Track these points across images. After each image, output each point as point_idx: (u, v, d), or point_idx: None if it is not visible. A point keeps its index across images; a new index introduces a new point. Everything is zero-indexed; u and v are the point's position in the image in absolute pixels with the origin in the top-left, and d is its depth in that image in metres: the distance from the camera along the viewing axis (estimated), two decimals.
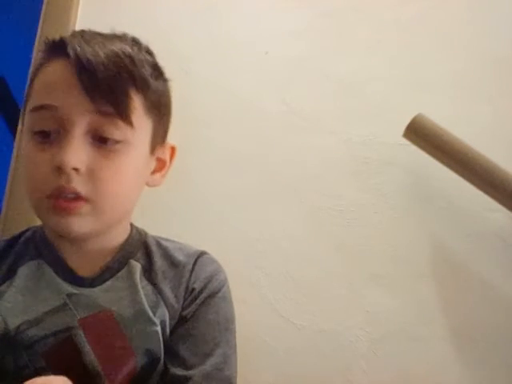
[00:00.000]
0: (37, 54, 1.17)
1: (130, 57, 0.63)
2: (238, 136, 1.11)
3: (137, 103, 0.63)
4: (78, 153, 0.59)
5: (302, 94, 1.12)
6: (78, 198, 0.59)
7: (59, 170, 0.58)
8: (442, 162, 0.96)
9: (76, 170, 0.58)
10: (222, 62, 1.16)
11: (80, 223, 0.61)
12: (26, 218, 1.05)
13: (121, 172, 0.62)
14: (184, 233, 1.00)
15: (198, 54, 1.16)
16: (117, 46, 0.62)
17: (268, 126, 1.11)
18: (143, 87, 0.64)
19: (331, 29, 1.15)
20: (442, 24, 1.12)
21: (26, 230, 0.72)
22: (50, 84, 0.62)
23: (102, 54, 0.60)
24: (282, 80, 1.14)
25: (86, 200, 0.60)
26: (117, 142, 0.61)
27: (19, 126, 1.13)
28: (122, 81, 0.61)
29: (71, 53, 0.60)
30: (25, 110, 0.66)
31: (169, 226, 0.93)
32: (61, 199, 0.59)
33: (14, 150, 1.12)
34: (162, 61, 0.70)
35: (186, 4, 1.21)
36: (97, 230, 0.64)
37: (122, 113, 0.60)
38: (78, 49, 0.60)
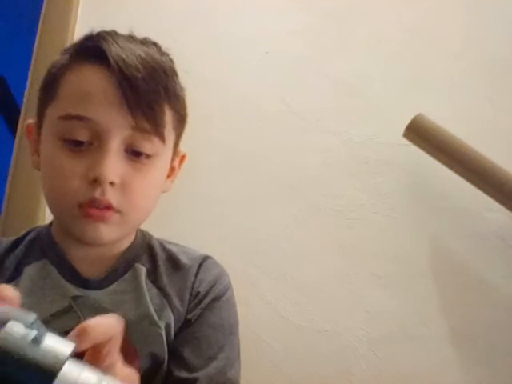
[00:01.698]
0: (37, 53, 1.17)
1: (164, 70, 0.63)
2: (237, 136, 1.11)
3: (168, 118, 0.64)
4: (115, 167, 0.59)
5: (302, 94, 1.12)
6: (109, 207, 0.60)
7: (95, 182, 0.59)
8: (442, 161, 0.96)
9: (112, 183, 0.59)
10: (222, 62, 1.15)
11: (108, 231, 0.62)
12: (26, 218, 1.05)
13: (150, 185, 0.64)
14: (184, 232, 1.01)
15: (198, 53, 1.16)
16: (150, 57, 0.62)
17: (268, 126, 1.11)
18: (175, 102, 0.65)
19: (331, 29, 1.15)
20: (442, 24, 1.12)
21: (30, 231, 0.72)
22: (87, 94, 0.60)
23: (141, 67, 0.60)
24: (281, 80, 1.14)
25: (116, 210, 0.61)
26: (148, 156, 0.62)
27: (19, 126, 1.13)
28: (159, 97, 0.62)
29: (114, 64, 0.59)
30: (43, 107, 0.65)
31: (168, 226, 0.93)
32: (93, 208, 0.60)
33: (14, 150, 1.12)
34: None
35: (186, 4, 1.21)
36: (119, 237, 0.65)
37: (159, 130, 0.61)
38: (120, 61, 0.59)
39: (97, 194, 0.59)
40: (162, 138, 0.62)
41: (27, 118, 1.13)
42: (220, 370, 0.64)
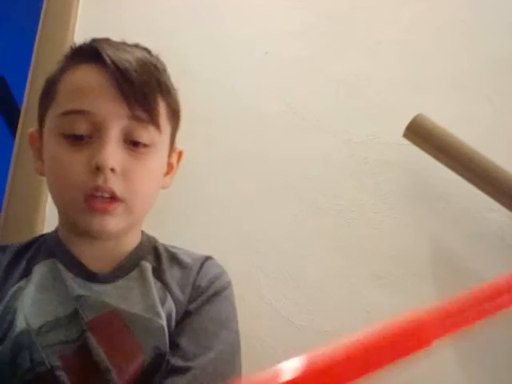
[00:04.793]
0: (37, 53, 1.17)
1: (155, 65, 0.67)
2: (237, 136, 1.11)
3: (162, 109, 0.67)
4: (114, 154, 0.62)
5: (302, 94, 1.12)
6: (113, 198, 0.62)
7: (97, 170, 0.61)
8: (442, 161, 0.96)
9: (113, 170, 0.62)
10: (222, 62, 1.16)
11: (114, 223, 0.64)
12: (26, 219, 1.05)
13: (149, 174, 0.66)
14: (183, 232, 1.01)
15: (198, 53, 1.16)
16: (141, 55, 0.66)
17: (268, 126, 1.11)
18: (167, 94, 0.68)
19: (331, 29, 1.15)
20: (442, 24, 1.12)
21: (41, 236, 0.75)
22: (83, 89, 0.64)
23: (133, 61, 0.63)
24: (281, 80, 1.14)
25: (120, 200, 0.63)
26: (145, 145, 0.65)
27: (19, 126, 1.13)
28: (152, 87, 0.65)
29: (107, 59, 0.62)
30: (43, 113, 0.68)
31: (168, 226, 0.93)
32: (97, 200, 0.62)
33: (14, 150, 1.12)
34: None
35: (185, 4, 1.21)
36: (125, 228, 0.67)
37: (154, 118, 0.65)
38: (114, 56, 0.63)
39: (99, 181, 0.61)
40: (158, 127, 0.65)
41: (27, 118, 1.13)
42: (212, 362, 0.64)
